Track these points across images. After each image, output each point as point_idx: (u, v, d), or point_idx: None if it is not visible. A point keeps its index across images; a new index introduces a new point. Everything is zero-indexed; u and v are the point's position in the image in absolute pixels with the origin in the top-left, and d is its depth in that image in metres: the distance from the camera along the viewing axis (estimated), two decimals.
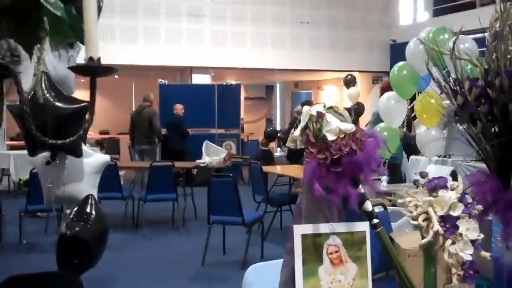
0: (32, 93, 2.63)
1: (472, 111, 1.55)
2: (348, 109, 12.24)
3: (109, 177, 6.76)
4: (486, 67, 1.57)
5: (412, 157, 7.04)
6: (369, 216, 1.24)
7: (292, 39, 13.27)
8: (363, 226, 1.24)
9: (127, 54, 11.73)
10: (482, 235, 1.41)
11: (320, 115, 1.20)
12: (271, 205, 6.81)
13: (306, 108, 1.23)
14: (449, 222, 1.37)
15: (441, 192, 1.41)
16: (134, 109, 11.92)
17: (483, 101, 1.53)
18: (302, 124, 1.23)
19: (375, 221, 1.24)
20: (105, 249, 2.96)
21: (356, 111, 11.74)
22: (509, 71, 1.49)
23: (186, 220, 7.47)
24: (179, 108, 10.76)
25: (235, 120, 11.99)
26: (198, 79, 12.85)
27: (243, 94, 18.21)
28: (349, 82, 11.92)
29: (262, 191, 6.77)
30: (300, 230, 1.23)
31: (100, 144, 11.76)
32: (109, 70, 0.96)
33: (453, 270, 1.38)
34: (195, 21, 12.36)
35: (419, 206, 1.40)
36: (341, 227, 1.23)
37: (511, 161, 1.47)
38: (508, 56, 1.56)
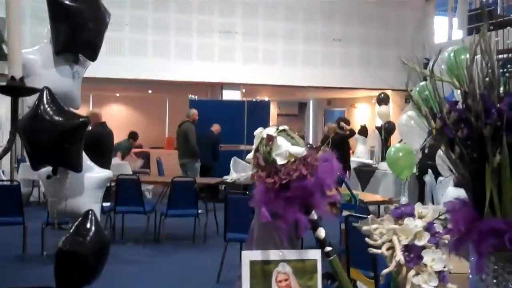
0: (34, 107, 2.68)
1: (451, 135, 1.49)
2: (379, 128, 12.12)
3: (131, 191, 6.83)
4: (467, 90, 1.52)
5: (440, 178, 6.90)
6: (321, 243, 1.20)
7: (324, 56, 13.23)
8: (315, 254, 1.20)
9: (160, 70, 11.89)
10: (450, 266, 1.34)
11: (270, 138, 1.17)
12: None
13: (258, 130, 1.20)
14: (413, 252, 1.31)
15: (407, 220, 1.35)
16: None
17: (462, 125, 1.48)
18: (253, 147, 1.20)
19: (328, 249, 1.19)
20: (104, 265, 2.97)
21: (387, 129, 11.62)
22: (483, 95, 1.44)
23: (207, 236, 7.46)
24: (216, 128, 10.92)
25: None
26: (229, 95, 12.91)
27: (275, 111, 18.22)
28: (382, 100, 11.81)
29: None
30: (249, 256, 1.19)
31: (133, 137, 11.89)
32: (32, 90, 0.95)
33: None
34: (227, 38, 12.46)
35: (384, 234, 1.35)
36: (291, 254, 1.19)
37: (485, 189, 1.41)
38: (487, 79, 1.51)
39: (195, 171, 9.87)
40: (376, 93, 12.73)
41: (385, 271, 1.32)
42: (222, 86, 13.00)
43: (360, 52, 13.43)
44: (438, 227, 1.37)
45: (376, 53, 13.53)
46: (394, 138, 11.26)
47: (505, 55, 1.51)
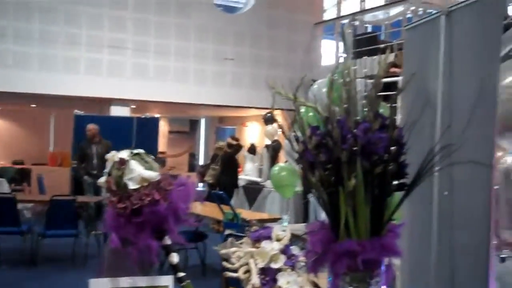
0: None
1: (311, 159, 1.53)
2: (267, 146, 12.35)
3: (6, 210, 6.45)
4: (327, 115, 1.57)
5: None
6: (174, 269, 1.18)
7: (215, 74, 13.32)
8: (166, 280, 1.18)
9: (45, 84, 11.41)
10: None
11: (122, 162, 1.14)
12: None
13: (111, 154, 1.17)
14: (269, 275, 1.33)
15: (264, 243, 1.37)
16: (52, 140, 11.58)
17: (322, 149, 1.52)
18: (106, 170, 1.17)
19: (180, 274, 1.18)
20: None
21: (274, 148, 11.86)
22: (340, 121, 1.50)
23: (88, 257, 7.18)
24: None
25: (153, 154, 11.69)
26: (117, 111, 12.62)
27: (166, 128, 18.05)
28: (268, 120, 12.05)
29: None
30: (98, 284, 1.15)
31: None
32: None
33: None
34: (117, 53, 12.20)
35: (242, 257, 1.36)
36: (142, 281, 1.17)
37: (340, 212, 1.46)
38: (345, 105, 1.57)
39: (90, 189, 9.47)
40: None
41: None
42: (110, 101, 12.69)
43: (251, 72, 13.66)
44: (295, 250, 1.40)
45: (266, 73, 13.82)
46: (282, 157, 11.52)
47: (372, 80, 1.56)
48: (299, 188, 7.00)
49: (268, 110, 12.85)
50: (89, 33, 11.98)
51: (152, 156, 1.22)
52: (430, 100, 1.97)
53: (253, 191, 10.89)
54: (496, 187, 2.49)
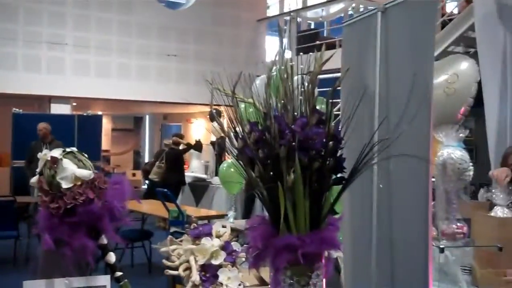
0: None
1: (250, 155, 1.53)
2: (213, 143, 12.31)
3: None
4: (265, 111, 1.57)
5: None
6: (111, 268, 1.16)
7: (158, 71, 13.16)
8: (104, 280, 1.16)
9: None
10: (246, 284, 1.38)
11: (54, 161, 1.11)
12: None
13: (43, 153, 1.14)
14: (209, 271, 1.32)
15: (204, 240, 1.36)
16: None
17: (261, 145, 1.53)
18: (38, 170, 1.13)
19: (118, 274, 1.16)
20: None
21: (220, 145, 11.83)
22: (277, 117, 1.50)
23: (30, 258, 7.00)
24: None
25: (96, 152, 11.53)
26: (57, 109, 12.29)
27: (109, 125, 17.74)
28: (213, 116, 11.98)
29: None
30: (32, 286, 1.12)
31: None
32: None
33: None
34: (56, 49, 11.88)
35: (182, 255, 1.35)
36: (79, 281, 1.14)
37: (280, 207, 1.46)
38: (282, 101, 1.57)
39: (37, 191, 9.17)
40: None
41: None
42: (50, 99, 12.34)
43: (195, 68, 13.57)
44: (235, 246, 1.40)
45: (211, 69, 13.73)
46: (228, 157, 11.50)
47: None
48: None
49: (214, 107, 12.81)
50: (27, 28, 11.61)
51: (86, 155, 1.20)
52: (368, 95, 2.00)
53: (199, 188, 10.84)
54: (433, 179, 2.57)
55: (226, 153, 11.77)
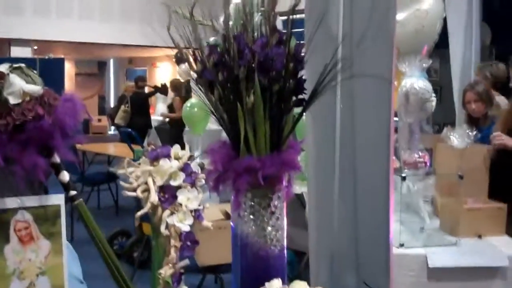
0: None
1: (210, 78, 1.50)
2: (180, 87, 12.17)
3: None
4: (225, 33, 1.53)
5: None
6: (65, 187, 1.14)
7: (122, 12, 12.80)
8: (57, 199, 1.13)
9: None
10: (206, 205, 1.37)
11: (1, 76, 1.06)
12: (86, 184, 6.54)
13: None
14: (168, 192, 1.31)
15: (162, 162, 1.34)
16: None
17: (221, 68, 1.49)
18: None
19: (73, 193, 1.13)
20: None
21: (187, 88, 11.70)
22: (237, 36, 1.46)
23: None
24: None
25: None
26: (18, 52, 11.92)
27: (72, 70, 17.36)
28: (180, 59, 11.81)
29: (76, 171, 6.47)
30: None
31: None
32: None
33: (172, 242, 1.33)
34: None
35: (140, 177, 1.33)
36: (31, 200, 1.11)
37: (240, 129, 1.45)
38: (242, 21, 1.53)
39: None
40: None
41: (139, 213, 1.30)
42: (9, 42, 11.95)
43: (160, 8, 13.23)
44: (195, 167, 1.39)
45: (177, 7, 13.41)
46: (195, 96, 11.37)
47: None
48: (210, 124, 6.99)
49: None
50: None
51: (35, 71, 1.15)
52: (329, 12, 1.95)
53: (165, 131, 10.77)
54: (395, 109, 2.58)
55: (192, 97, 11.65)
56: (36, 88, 1.08)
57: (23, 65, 1.10)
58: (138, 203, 1.25)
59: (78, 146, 6.65)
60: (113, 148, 6.92)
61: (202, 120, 5.78)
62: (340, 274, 2.42)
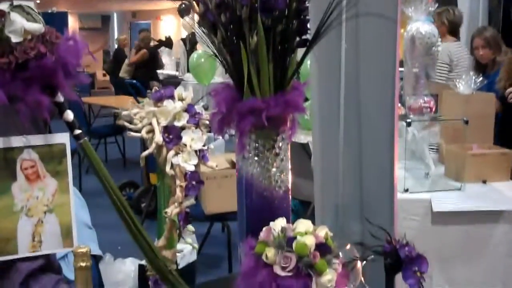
0: None
1: (213, 20, 1.48)
2: (184, 39, 12.06)
3: None
4: None
5: None
6: (70, 126, 1.14)
7: None
8: (63, 138, 1.14)
9: None
10: (211, 146, 1.38)
11: (2, 14, 1.05)
12: (93, 137, 6.57)
13: None
14: (172, 133, 1.31)
15: (166, 102, 1.34)
16: None
17: (224, 9, 1.48)
18: None
19: (77, 131, 1.14)
20: None
21: (191, 41, 11.61)
22: None
23: None
24: None
25: None
26: None
27: (76, 24, 17.21)
28: (183, 11, 11.67)
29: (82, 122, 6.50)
30: None
31: None
32: None
33: (177, 182, 1.34)
34: None
35: (144, 118, 1.34)
36: (37, 139, 1.12)
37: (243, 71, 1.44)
38: None
39: None
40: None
41: (144, 153, 1.31)
42: None
43: None
44: (199, 109, 1.39)
45: None
46: (199, 49, 11.28)
47: None
48: (217, 77, 6.97)
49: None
50: None
51: (37, 10, 1.14)
52: None
53: (171, 85, 10.74)
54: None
55: (196, 49, 11.56)
56: (37, 26, 1.07)
57: (23, 2, 1.09)
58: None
59: (84, 99, 6.67)
60: (119, 101, 6.91)
61: (209, 71, 5.79)
62: (344, 222, 2.44)
